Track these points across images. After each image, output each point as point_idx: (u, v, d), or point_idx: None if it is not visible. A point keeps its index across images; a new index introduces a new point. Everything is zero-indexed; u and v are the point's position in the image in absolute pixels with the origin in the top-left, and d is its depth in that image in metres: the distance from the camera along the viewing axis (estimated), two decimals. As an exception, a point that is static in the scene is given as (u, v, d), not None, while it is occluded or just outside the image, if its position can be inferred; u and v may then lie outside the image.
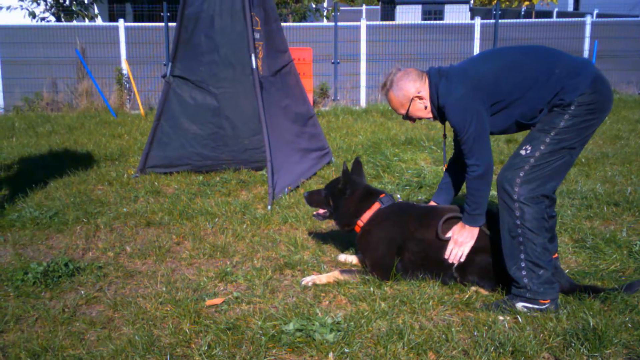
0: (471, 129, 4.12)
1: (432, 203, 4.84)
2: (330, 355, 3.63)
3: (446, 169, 4.83)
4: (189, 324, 4.00)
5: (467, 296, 4.32)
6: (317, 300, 4.39)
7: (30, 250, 5.50)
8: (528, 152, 4.04)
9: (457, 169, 4.71)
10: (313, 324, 3.84)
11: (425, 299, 4.25)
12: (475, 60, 4.44)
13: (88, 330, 4.01)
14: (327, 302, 4.36)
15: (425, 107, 4.39)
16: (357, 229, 4.86)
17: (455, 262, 4.43)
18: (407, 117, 4.49)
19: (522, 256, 4.04)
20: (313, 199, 5.12)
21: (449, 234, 4.48)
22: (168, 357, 3.62)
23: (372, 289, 4.46)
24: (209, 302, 4.35)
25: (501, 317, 4.01)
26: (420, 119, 4.52)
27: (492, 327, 3.86)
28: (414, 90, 4.34)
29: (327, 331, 3.79)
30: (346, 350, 3.65)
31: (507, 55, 4.34)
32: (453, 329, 3.85)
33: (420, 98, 4.36)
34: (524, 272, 4.04)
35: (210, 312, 4.22)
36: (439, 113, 4.37)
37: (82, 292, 4.57)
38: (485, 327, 3.89)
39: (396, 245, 4.62)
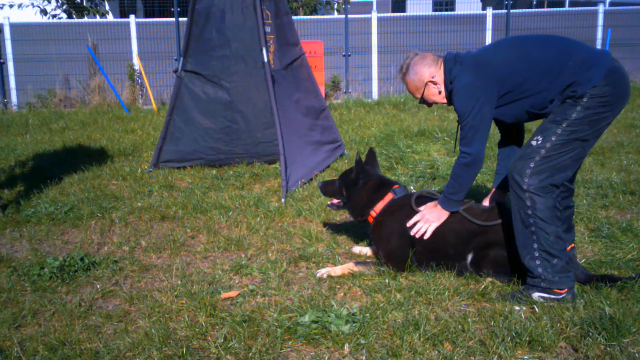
0: (470, 118, 4.17)
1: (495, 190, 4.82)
2: (346, 346, 3.63)
3: (499, 152, 4.85)
4: (205, 316, 4.01)
5: (483, 286, 4.30)
6: (333, 292, 4.38)
7: (46, 245, 5.53)
8: (539, 142, 4.02)
9: (506, 152, 4.75)
10: (329, 316, 3.84)
11: (441, 290, 4.24)
12: (490, 49, 4.43)
13: (104, 323, 4.02)
14: (342, 294, 4.36)
15: (440, 92, 4.42)
16: (370, 219, 4.86)
17: (417, 237, 4.52)
18: (423, 101, 4.54)
19: (535, 245, 4.01)
20: (327, 189, 5.13)
21: (421, 208, 4.59)
22: (184, 349, 3.63)
23: (387, 280, 4.45)
24: (224, 295, 4.36)
25: (517, 308, 3.99)
26: (436, 103, 4.56)
27: (509, 317, 3.84)
28: (428, 74, 4.38)
29: (343, 322, 3.78)
30: (362, 342, 3.65)
31: (522, 46, 4.31)
32: (469, 320, 3.84)
33: (434, 83, 4.40)
34: (537, 262, 4.02)
35: (226, 305, 4.22)
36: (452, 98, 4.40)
37: (98, 286, 4.59)
38: (501, 317, 3.87)
39: (409, 236, 4.61)
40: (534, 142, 4.05)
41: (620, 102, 4.02)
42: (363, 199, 4.89)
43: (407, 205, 4.75)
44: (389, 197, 4.83)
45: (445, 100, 4.46)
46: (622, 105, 4.06)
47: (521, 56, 4.19)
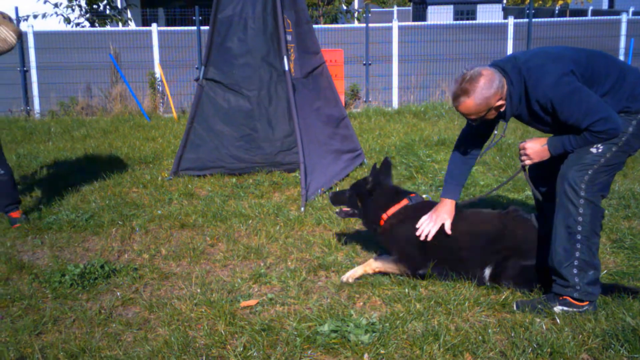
0: (584, 99, 3.89)
1: (446, 200, 4.59)
2: (366, 356, 3.62)
3: (454, 157, 4.66)
4: (224, 325, 4.01)
5: (503, 297, 4.27)
6: (352, 301, 4.38)
7: (67, 252, 5.57)
8: (599, 151, 3.97)
9: (463, 157, 4.63)
10: (348, 325, 3.83)
11: (461, 300, 4.22)
12: (559, 47, 4.23)
13: (124, 331, 4.04)
14: (362, 303, 4.35)
15: (500, 110, 4.16)
16: (382, 222, 4.83)
17: (522, 160, 4.21)
18: (476, 120, 4.21)
19: (577, 254, 3.97)
20: (337, 199, 5.13)
21: None
22: (204, 358, 3.64)
23: (406, 290, 4.44)
24: (243, 303, 4.36)
25: (538, 319, 3.95)
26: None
27: (530, 328, 3.81)
28: (496, 98, 4.05)
29: (362, 332, 3.77)
30: (382, 352, 3.64)
31: (585, 49, 4.22)
32: (490, 330, 3.81)
33: (501, 104, 4.10)
34: (575, 271, 3.98)
35: (245, 314, 4.23)
36: (529, 109, 4.13)
37: (118, 293, 4.61)
38: (522, 328, 3.84)
39: (421, 243, 4.58)
40: (593, 150, 3.97)
41: None
42: (378, 209, 4.87)
43: (422, 212, 4.70)
44: (404, 202, 4.81)
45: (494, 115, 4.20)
46: None
47: (595, 54, 4.12)
